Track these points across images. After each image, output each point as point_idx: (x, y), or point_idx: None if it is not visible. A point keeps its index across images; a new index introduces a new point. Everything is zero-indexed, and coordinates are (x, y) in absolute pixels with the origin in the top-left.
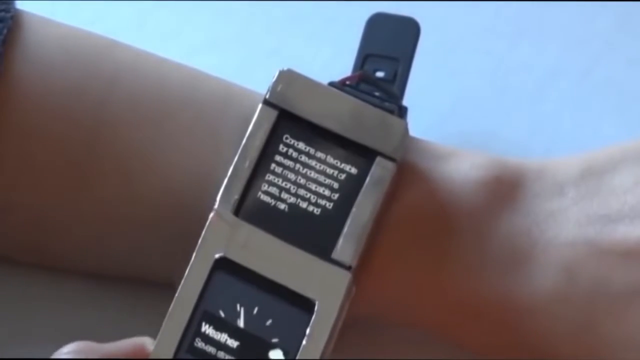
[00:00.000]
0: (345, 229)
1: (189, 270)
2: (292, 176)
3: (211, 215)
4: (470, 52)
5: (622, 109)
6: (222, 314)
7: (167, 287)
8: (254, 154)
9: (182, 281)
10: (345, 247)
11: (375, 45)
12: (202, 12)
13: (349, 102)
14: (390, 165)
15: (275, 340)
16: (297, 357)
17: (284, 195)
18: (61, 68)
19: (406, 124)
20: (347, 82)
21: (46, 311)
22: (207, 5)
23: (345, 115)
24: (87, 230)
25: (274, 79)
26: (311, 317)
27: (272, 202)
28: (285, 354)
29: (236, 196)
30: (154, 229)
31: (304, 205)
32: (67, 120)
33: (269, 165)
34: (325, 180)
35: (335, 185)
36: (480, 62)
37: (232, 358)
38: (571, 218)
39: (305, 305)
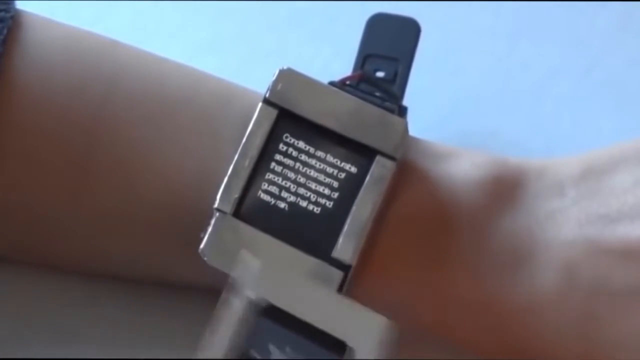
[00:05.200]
0: (346, 227)
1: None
2: (292, 175)
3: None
4: (470, 52)
5: (622, 109)
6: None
7: (167, 288)
8: (254, 152)
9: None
10: (346, 246)
11: (376, 46)
12: (202, 12)
13: (348, 101)
14: (390, 164)
15: None
16: None
17: (284, 194)
18: (62, 67)
19: (406, 123)
20: (347, 82)
21: (46, 311)
22: (207, 5)
23: (345, 114)
24: (87, 230)
25: (274, 78)
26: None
27: (272, 201)
28: None
29: (236, 195)
30: (153, 229)
31: (304, 204)
32: (67, 120)
33: (269, 164)
34: (325, 179)
35: (335, 184)
36: (480, 62)
37: None
38: (571, 218)
39: (337, 346)
